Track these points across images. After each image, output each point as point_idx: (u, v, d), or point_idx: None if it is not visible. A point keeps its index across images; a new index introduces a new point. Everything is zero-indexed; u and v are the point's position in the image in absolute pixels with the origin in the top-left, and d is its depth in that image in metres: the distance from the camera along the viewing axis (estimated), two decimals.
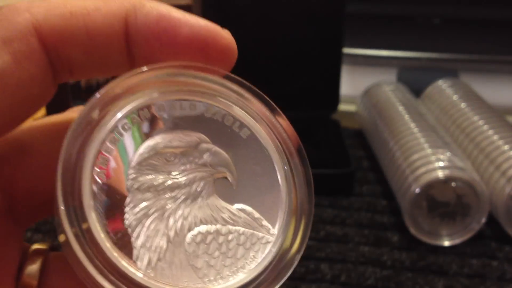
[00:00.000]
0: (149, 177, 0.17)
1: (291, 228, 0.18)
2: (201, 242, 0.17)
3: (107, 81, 0.18)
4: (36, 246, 0.20)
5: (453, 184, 0.40)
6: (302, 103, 0.58)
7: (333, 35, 0.57)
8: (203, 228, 0.17)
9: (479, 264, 0.39)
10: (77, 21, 0.17)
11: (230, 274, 0.17)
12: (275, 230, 0.18)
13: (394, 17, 0.77)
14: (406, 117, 0.49)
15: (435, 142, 0.44)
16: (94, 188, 0.16)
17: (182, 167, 0.18)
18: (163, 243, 0.17)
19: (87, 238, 0.16)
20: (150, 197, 0.17)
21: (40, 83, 0.17)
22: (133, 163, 0.17)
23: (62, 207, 0.15)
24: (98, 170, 0.17)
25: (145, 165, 0.17)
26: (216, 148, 0.18)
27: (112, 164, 0.17)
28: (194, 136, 0.18)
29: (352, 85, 0.64)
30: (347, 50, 0.61)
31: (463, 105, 0.51)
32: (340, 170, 0.48)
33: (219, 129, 0.18)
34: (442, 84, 0.56)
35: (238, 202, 0.18)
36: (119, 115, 0.17)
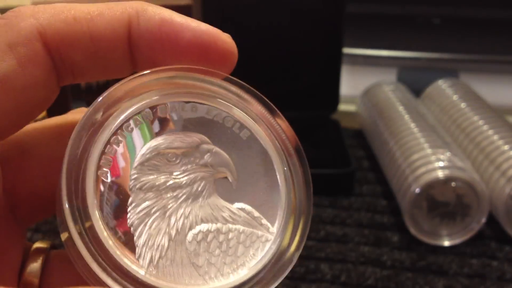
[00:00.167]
0: (151, 177, 0.18)
1: (290, 227, 0.19)
2: (202, 240, 0.17)
3: (107, 82, 0.18)
4: (37, 244, 0.20)
5: (453, 184, 0.40)
6: (302, 103, 0.58)
7: (333, 35, 0.57)
8: (204, 226, 0.18)
9: (479, 264, 0.39)
10: (81, 26, 0.17)
11: (230, 271, 0.17)
12: (274, 229, 0.18)
13: (394, 17, 0.77)
14: (406, 117, 0.49)
15: (435, 142, 0.44)
16: (98, 187, 0.17)
17: (183, 168, 0.18)
18: (164, 241, 0.17)
19: (90, 236, 0.16)
20: (152, 196, 0.18)
21: (44, 86, 0.17)
22: (135, 164, 0.18)
23: (66, 206, 0.16)
24: (102, 170, 0.17)
25: (147, 165, 0.18)
26: (216, 149, 0.18)
27: (116, 164, 0.17)
28: (195, 137, 0.18)
29: (352, 85, 0.64)
30: (347, 50, 0.61)
31: (463, 105, 0.51)
32: (340, 170, 0.48)
33: (220, 131, 0.19)
34: (442, 84, 0.56)
35: (238, 201, 0.18)
36: (122, 117, 0.18)
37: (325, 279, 0.37)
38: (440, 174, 0.39)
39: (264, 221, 0.18)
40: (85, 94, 0.49)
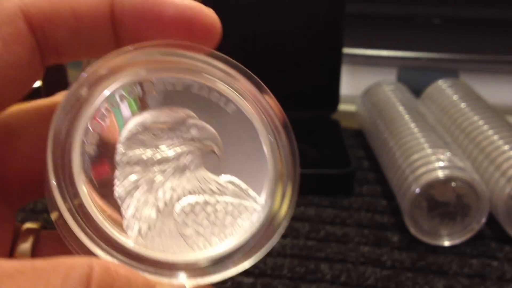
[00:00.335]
0: (138, 151, 0.18)
1: (278, 196, 0.19)
2: (190, 212, 0.18)
3: None
4: (27, 225, 0.20)
5: (453, 184, 0.40)
6: (302, 103, 0.58)
7: (333, 35, 0.57)
8: (191, 198, 0.18)
9: (479, 264, 0.39)
10: (63, 4, 0.17)
11: (219, 241, 0.18)
12: (262, 199, 0.19)
13: (394, 17, 0.77)
14: (406, 117, 0.49)
15: (435, 142, 0.44)
16: (84, 162, 0.17)
17: (170, 142, 0.18)
18: (152, 213, 0.17)
19: (79, 210, 0.16)
20: (139, 170, 0.18)
21: (28, 64, 0.17)
22: (122, 138, 0.18)
23: (53, 182, 0.16)
24: (88, 145, 0.17)
25: (133, 140, 0.18)
26: (202, 123, 0.19)
27: (101, 139, 0.17)
28: (181, 112, 0.19)
29: (352, 85, 0.64)
30: (347, 50, 0.61)
31: (463, 105, 0.51)
32: (340, 170, 0.48)
33: (206, 105, 0.19)
34: (442, 84, 0.56)
35: (225, 173, 0.19)
36: (107, 92, 0.18)
37: (325, 279, 0.37)
38: (440, 174, 0.39)
39: (251, 192, 0.19)
40: None
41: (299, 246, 0.40)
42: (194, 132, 0.19)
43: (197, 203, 0.18)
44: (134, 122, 0.18)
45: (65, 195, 0.16)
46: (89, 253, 0.16)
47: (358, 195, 0.47)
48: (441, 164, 0.40)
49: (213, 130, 0.19)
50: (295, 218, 0.44)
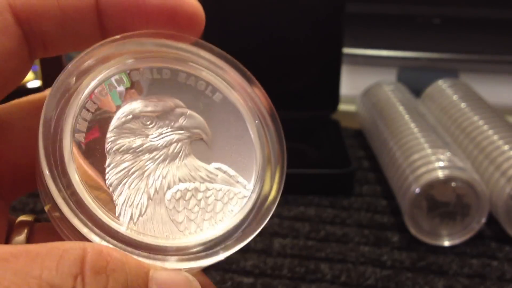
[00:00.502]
0: (128, 140, 0.18)
1: (267, 181, 0.19)
2: (181, 198, 0.18)
3: None
4: (21, 218, 0.21)
5: (453, 184, 0.40)
6: (302, 103, 0.58)
7: (333, 35, 0.57)
8: (182, 186, 0.18)
9: (479, 264, 0.39)
10: None
11: (210, 226, 0.18)
12: (250, 185, 0.19)
13: (394, 17, 0.77)
14: (406, 117, 0.49)
15: (435, 142, 0.44)
16: (75, 150, 0.17)
17: (159, 131, 0.19)
18: (144, 200, 0.18)
19: (72, 198, 0.16)
20: (130, 158, 0.18)
21: (16, 57, 0.18)
22: (111, 127, 0.18)
23: (46, 171, 0.16)
24: (78, 133, 0.17)
25: (123, 128, 0.18)
26: (190, 112, 0.19)
27: (91, 127, 0.18)
28: (169, 101, 0.19)
29: (352, 85, 0.64)
30: (347, 50, 0.61)
31: (463, 105, 0.51)
32: (340, 170, 0.48)
33: (193, 94, 0.19)
34: (442, 84, 0.56)
35: (215, 161, 0.19)
36: (96, 81, 0.18)
37: (325, 279, 0.37)
38: (440, 174, 0.39)
39: (240, 178, 0.19)
40: None
41: (299, 246, 0.40)
42: (182, 121, 0.19)
43: (187, 190, 0.18)
44: (122, 111, 0.18)
45: (58, 183, 0.16)
46: (83, 239, 0.16)
47: (358, 195, 0.47)
48: (441, 164, 0.40)
49: (201, 119, 0.19)
50: (295, 218, 0.44)
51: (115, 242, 0.16)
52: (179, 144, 0.19)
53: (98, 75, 0.18)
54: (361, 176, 0.51)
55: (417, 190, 0.40)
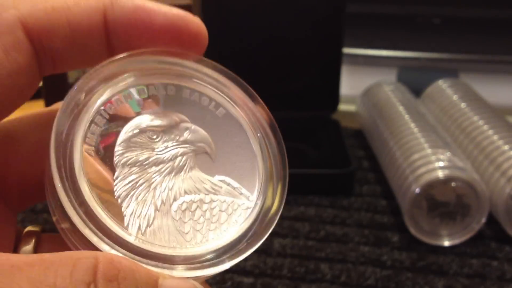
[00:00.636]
0: (135, 153, 0.19)
1: (270, 192, 0.20)
2: (187, 210, 0.19)
3: None
4: (29, 228, 0.21)
5: (453, 184, 0.40)
6: (302, 103, 0.58)
7: (333, 35, 0.57)
8: (187, 197, 0.19)
9: (479, 264, 0.39)
10: (59, 15, 0.18)
11: (215, 237, 0.19)
12: (254, 197, 0.20)
13: (394, 17, 0.77)
14: (406, 117, 0.49)
15: (435, 142, 0.44)
16: (85, 163, 0.18)
17: (165, 144, 0.19)
18: (151, 211, 0.18)
19: (82, 210, 0.17)
20: (137, 171, 0.19)
21: (27, 73, 0.18)
22: (119, 141, 0.19)
23: (58, 182, 0.17)
24: (87, 146, 0.18)
25: (130, 142, 0.19)
26: (195, 126, 0.20)
27: (100, 141, 0.18)
28: (174, 116, 0.20)
29: (352, 85, 0.64)
30: (347, 50, 0.61)
31: (463, 105, 0.51)
32: (340, 170, 0.48)
33: (197, 109, 0.20)
34: (442, 84, 0.56)
35: (219, 174, 0.20)
36: (104, 97, 0.19)
37: (325, 279, 0.37)
38: (440, 174, 0.39)
39: (244, 190, 0.20)
40: None
41: (299, 246, 0.40)
42: (187, 135, 0.20)
43: (193, 201, 0.19)
44: (129, 125, 0.19)
45: (69, 194, 0.17)
46: (94, 248, 0.17)
47: (358, 195, 0.47)
48: (441, 164, 0.40)
49: (205, 133, 0.20)
50: (295, 218, 0.44)
51: (124, 251, 0.17)
52: (184, 158, 0.19)
53: (107, 91, 0.19)
54: (361, 176, 0.51)
55: (417, 190, 0.40)
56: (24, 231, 0.21)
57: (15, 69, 0.18)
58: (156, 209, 0.18)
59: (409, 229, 0.41)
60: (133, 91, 0.19)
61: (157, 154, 0.19)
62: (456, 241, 0.41)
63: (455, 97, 0.53)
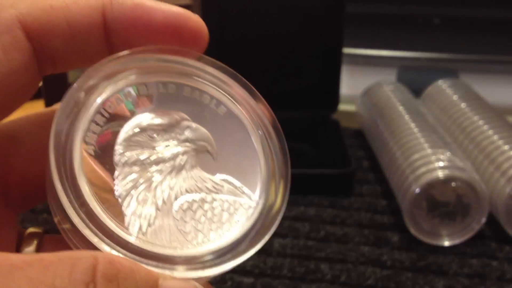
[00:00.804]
0: (135, 152, 0.19)
1: (272, 191, 0.20)
2: (188, 209, 0.18)
3: None
4: (31, 229, 0.21)
5: (453, 184, 0.40)
6: (302, 103, 0.58)
7: (333, 35, 0.57)
8: (189, 197, 0.19)
9: (479, 264, 0.39)
10: (57, 13, 0.18)
11: (217, 236, 0.18)
12: (256, 196, 0.19)
13: (394, 17, 0.77)
14: (406, 117, 0.49)
15: (435, 142, 0.44)
16: (85, 163, 0.18)
17: (165, 143, 0.19)
18: (152, 211, 0.18)
19: (82, 210, 0.17)
20: (137, 170, 0.18)
21: (26, 72, 0.18)
22: (119, 140, 0.19)
23: (58, 184, 0.16)
24: (87, 145, 0.18)
25: (130, 141, 0.19)
26: (196, 125, 0.20)
27: (100, 140, 0.18)
28: (174, 114, 0.19)
29: (352, 85, 0.64)
30: (347, 50, 0.61)
31: (463, 105, 0.51)
32: (340, 170, 0.48)
33: (198, 107, 0.20)
34: (442, 84, 0.56)
35: (220, 172, 0.19)
36: (104, 95, 0.19)
37: (325, 279, 0.37)
38: (440, 174, 0.39)
39: (245, 189, 0.19)
40: None
41: (299, 246, 0.40)
42: (188, 134, 0.19)
43: (194, 201, 0.19)
44: (130, 124, 0.19)
45: (68, 194, 0.17)
46: (94, 249, 0.16)
47: (358, 195, 0.47)
48: (441, 164, 0.40)
49: (206, 131, 0.20)
50: (295, 218, 0.44)
51: (124, 251, 0.17)
52: (185, 156, 0.19)
53: (106, 89, 0.19)
54: (361, 176, 0.51)
55: (417, 190, 0.40)
56: (26, 233, 0.21)
57: (14, 68, 0.18)
58: (157, 209, 0.18)
59: (409, 229, 0.41)
60: (133, 89, 0.19)
61: (157, 153, 0.19)
62: (456, 241, 0.41)
63: (455, 97, 0.53)
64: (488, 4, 0.74)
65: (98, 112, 0.18)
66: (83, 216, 0.17)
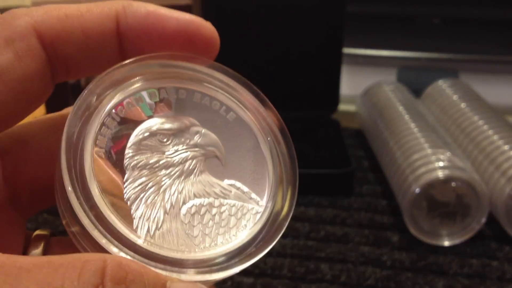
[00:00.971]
0: (145, 156, 0.19)
1: (279, 197, 0.20)
2: (196, 213, 0.19)
3: None
4: (38, 232, 0.21)
5: (453, 184, 0.40)
6: (302, 103, 0.58)
7: (333, 35, 0.57)
8: (197, 201, 0.19)
9: (479, 264, 0.39)
10: (72, 21, 0.18)
11: (224, 241, 0.19)
12: (263, 201, 0.20)
13: (394, 17, 0.77)
14: (406, 117, 0.49)
15: (435, 142, 0.44)
16: (96, 166, 0.18)
17: (175, 148, 0.19)
18: (160, 214, 0.18)
19: (92, 212, 0.17)
20: (147, 174, 0.19)
21: (40, 79, 0.18)
22: (129, 144, 0.19)
23: (69, 186, 0.17)
24: (98, 149, 0.18)
25: (140, 145, 0.19)
26: (205, 130, 0.20)
27: (111, 144, 0.18)
28: (184, 120, 0.20)
29: (352, 85, 0.64)
30: (347, 50, 0.61)
31: (463, 105, 0.51)
32: (340, 170, 0.48)
33: (208, 113, 0.20)
34: (442, 84, 0.56)
35: (228, 178, 0.20)
36: (115, 100, 0.19)
37: (325, 279, 0.37)
38: (440, 174, 0.39)
39: (253, 195, 0.20)
40: None
41: (299, 246, 0.40)
42: (197, 139, 0.20)
43: (202, 205, 0.19)
44: (140, 128, 0.19)
45: (79, 196, 0.17)
46: (103, 251, 0.17)
47: (358, 195, 0.47)
48: (441, 164, 0.40)
49: (215, 137, 0.20)
50: (295, 218, 0.44)
51: (133, 254, 0.17)
52: (194, 161, 0.19)
53: (118, 94, 0.19)
54: (361, 176, 0.51)
55: (417, 190, 0.40)
56: (33, 235, 0.21)
57: (28, 75, 0.18)
58: (165, 212, 0.18)
59: (409, 229, 0.41)
60: (144, 94, 0.19)
61: (167, 157, 0.19)
62: (456, 241, 0.41)
63: (455, 97, 0.53)
64: (488, 4, 0.74)
65: (109, 116, 0.19)
66: (93, 218, 0.17)
